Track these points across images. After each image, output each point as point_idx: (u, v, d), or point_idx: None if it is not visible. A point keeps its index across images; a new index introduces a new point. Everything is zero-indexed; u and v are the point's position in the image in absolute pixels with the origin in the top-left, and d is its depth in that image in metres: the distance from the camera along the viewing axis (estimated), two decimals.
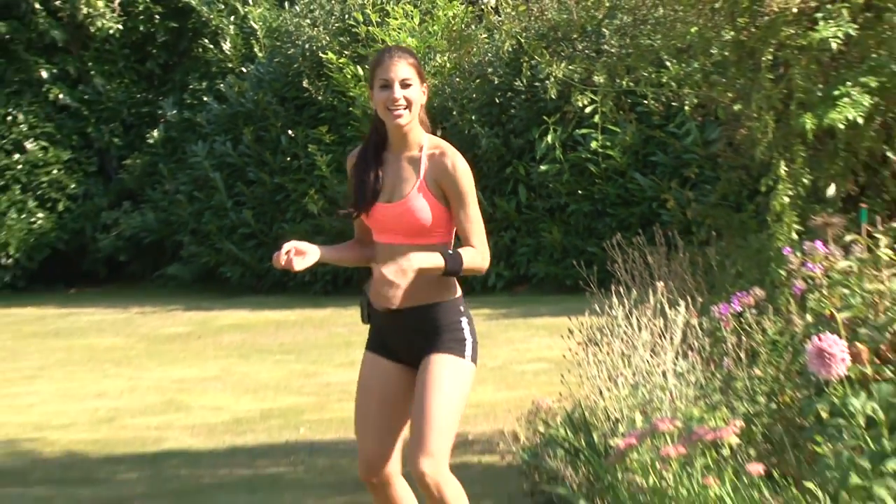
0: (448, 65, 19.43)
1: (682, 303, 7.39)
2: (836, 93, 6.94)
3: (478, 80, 19.79)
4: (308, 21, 21.55)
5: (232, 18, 23.92)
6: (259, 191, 21.50)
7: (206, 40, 24.08)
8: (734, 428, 6.01)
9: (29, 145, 23.50)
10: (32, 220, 23.26)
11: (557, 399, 7.88)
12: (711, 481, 5.85)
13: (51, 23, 23.51)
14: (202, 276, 22.33)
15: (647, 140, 18.36)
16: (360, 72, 20.15)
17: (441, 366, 5.36)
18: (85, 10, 23.20)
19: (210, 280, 22.12)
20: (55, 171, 23.60)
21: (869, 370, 5.62)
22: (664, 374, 7.07)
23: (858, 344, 5.67)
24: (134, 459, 9.42)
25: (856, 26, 7.08)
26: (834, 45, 7.01)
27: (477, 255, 5.38)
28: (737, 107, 7.98)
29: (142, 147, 23.74)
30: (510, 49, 18.34)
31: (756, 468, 5.81)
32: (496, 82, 19.67)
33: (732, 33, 7.81)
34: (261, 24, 23.34)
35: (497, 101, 19.66)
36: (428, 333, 5.41)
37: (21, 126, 23.56)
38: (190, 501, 8.06)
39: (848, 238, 6.45)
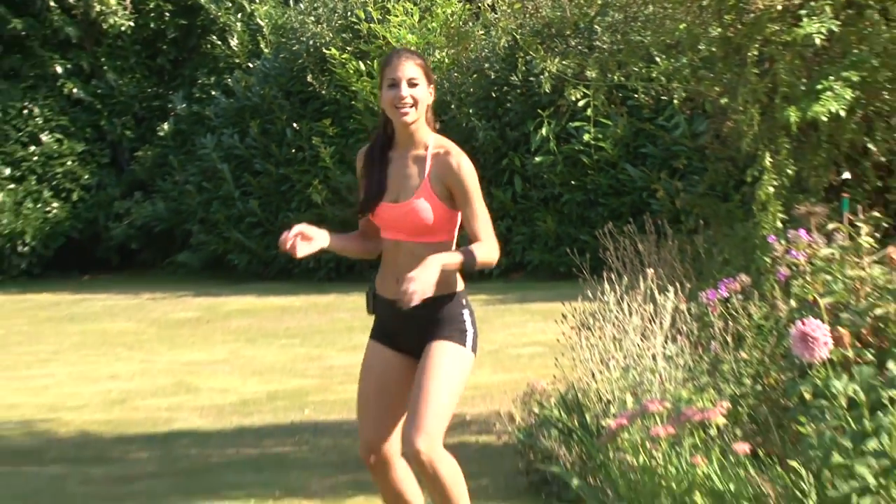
0: (446, 60, 19.43)
1: (671, 289, 7.38)
2: (819, 87, 6.93)
3: (475, 75, 19.78)
4: (312, 18, 21.54)
5: (239, 16, 23.92)
6: (265, 181, 21.50)
7: (215, 37, 24.09)
8: (721, 409, 6.00)
9: (44, 138, 23.49)
10: (48, 209, 23.26)
11: (551, 381, 7.88)
12: (699, 460, 5.85)
13: (65, 20, 23.50)
14: (210, 263, 22.34)
15: (637, 132, 18.35)
16: (362, 67, 20.15)
17: (442, 351, 5.36)
18: (98, 8, 23.20)
19: (218, 267, 22.13)
20: (69, 163, 23.59)
21: (850, 353, 5.62)
22: (654, 357, 7.06)
23: (840, 328, 5.67)
24: (145, 439, 9.42)
25: (838, 23, 7.07)
26: (817, 41, 7.00)
27: (487, 250, 5.36)
28: (724, 100, 7.98)
29: (152, 139, 23.75)
30: (506, 45, 18.28)
31: (742, 447, 5.81)
32: (493, 77, 19.66)
33: (719, 30, 7.79)
34: (267, 21, 23.34)
35: (493, 95, 19.65)
36: (431, 325, 5.40)
37: (37, 119, 23.55)
38: (199, 480, 8.05)
39: (830, 226, 6.44)
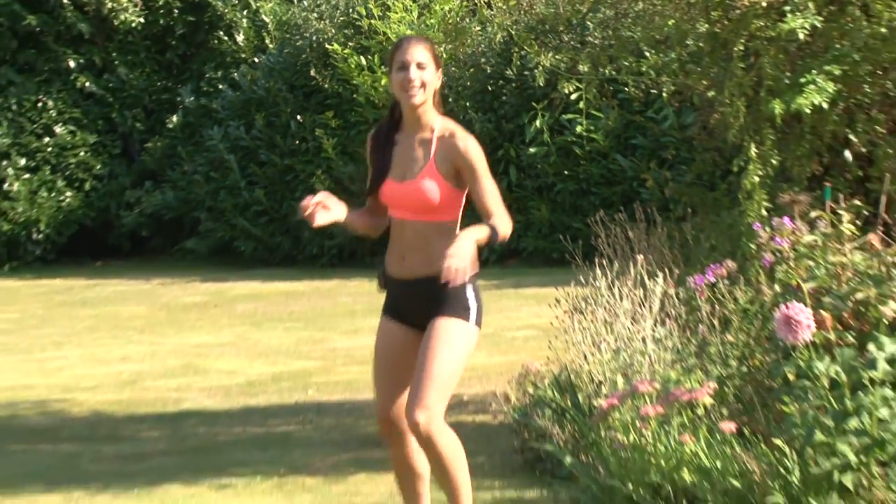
0: (444, 55, 19.38)
1: (660, 274, 7.38)
2: (803, 80, 6.92)
3: (472, 70, 19.77)
4: (315, 15, 21.53)
5: (245, 12, 23.89)
6: (270, 171, 21.49)
7: (221, 32, 24.08)
8: (708, 389, 6.01)
9: (58, 129, 23.48)
10: (61, 198, 23.25)
11: (545, 363, 7.88)
12: (687, 438, 5.86)
13: (78, 16, 23.47)
14: (218, 249, 22.33)
15: (627, 124, 18.34)
16: (364, 62, 20.14)
17: (445, 327, 5.34)
18: (109, 5, 23.18)
19: (225, 253, 22.12)
20: (82, 154, 23.58)
21: (832, 336, 5.62)
22: (644, 339, 7.06)
23: (823, 312, 5.67)
24: (155, 419, 9.42)
25: (821, 18, 7.06)
26: (801, 36, 6.99)
27: (505, 223, 5.34)
28: (711, 93, 7.96)
29: (162, 131, 23.73)
30: (501, 40, 18.23)
31: (728, 426, 5.82)
32: (489, 71, 19.65)
33: (707, 25, 7.79)
34: (271, 17, 23.31)
35: (489, 88, 19.65)
36: (435, 300, 5.38)
37: (51, 112, 23.54)
38: (207, 457, 8.05)
39: (813, 214, 6.44)
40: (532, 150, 18.65)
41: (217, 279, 19.97)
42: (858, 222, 6.47)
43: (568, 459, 6.58)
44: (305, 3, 22.24)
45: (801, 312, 5.39)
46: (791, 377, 5.70)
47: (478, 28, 19.74)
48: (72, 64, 23.72)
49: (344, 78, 20.50)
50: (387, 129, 5.59)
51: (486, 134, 18.92)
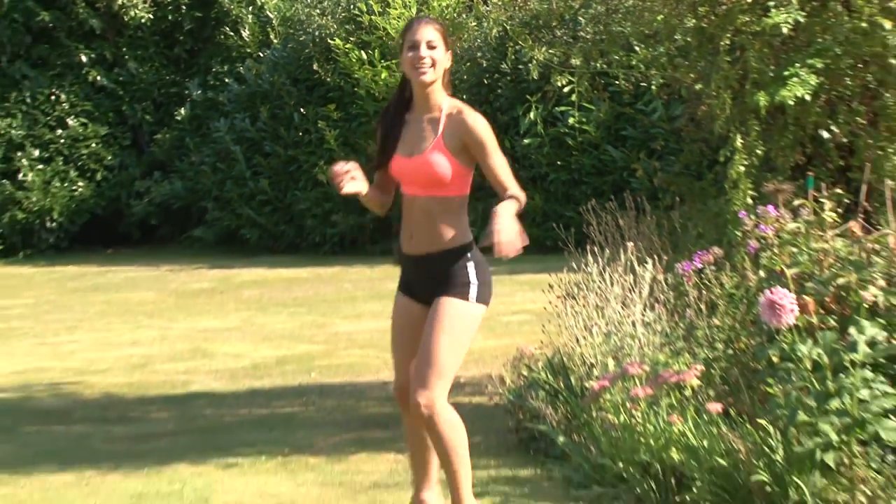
0: None
1: (649, 261, 7.37)
2: (787, 73, 6.91)
3: (468, 64, 19.75)
4: (318, 11, 21.52)
5: (250, 9, 23.89)
6: (274, 162, 21.50)
7: (228, 28, 24.07)
8: (695, 371, 6.01)
9: (70, 122, 23.48)
10: (74, 188, 23.26)
11: (539, 346, 7.87)
12: (675, 419, 5.86)
13: (89, 12, 23.47)
14: (224, 237, 22.35)
15: (618, 116, 18.34)
16: (364, 56, 20.12)
17: (444, 309, 5.30)
18: (120, 1, 23.19)
19: (231, 241, 22.14)
20: (94, 145, 23.59)
21: (815, 320, 5.62)
22: (633, 323, 7.06)
23: (805, 296, 5.67)
24: (164, 400, 9.41)
25: (804, 14, 7.04)
26: (784, 31, 6.98)
27: (520, 193, 5.31)
28: (698, 86, 7.95)
29: (170, 123, 23.74)
30: (497, 35, 18.33)
31: (715, 407, 5.82)
32: (484, 65, 19.64)
33: (694, 21, 7.77)
34: (276, 13, 23.30)
35: (485, 81, 19.63)
36: (438, 277, 5.34)
37: (63, 105, 23.54)
38: (214, 437, 8.05)
39: (796, 203, 6.43)
40: (526, 141, 18.63)
41: (223, 266, 19.98)
42: (840, 210, 6.47)
43: (561, 439, 6.59)
44: None
45: (785, 297, 5.38)
46: (775, 359, 5.70)
47: (474, 23, 19.80)
48: (84, 58, 23.73)
49: (345, 72, 20.49)
50: (396, 106, 5.54)
51: None
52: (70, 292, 17.80)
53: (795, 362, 5.50)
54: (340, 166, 5.28)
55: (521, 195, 5.26)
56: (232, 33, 23.99)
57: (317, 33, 21.23)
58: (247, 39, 23.73)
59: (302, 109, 21.26)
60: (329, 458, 7.25)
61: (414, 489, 5.70)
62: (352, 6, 20.97)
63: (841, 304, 5.87)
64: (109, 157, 23.67)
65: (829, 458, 5.36)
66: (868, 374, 5.42)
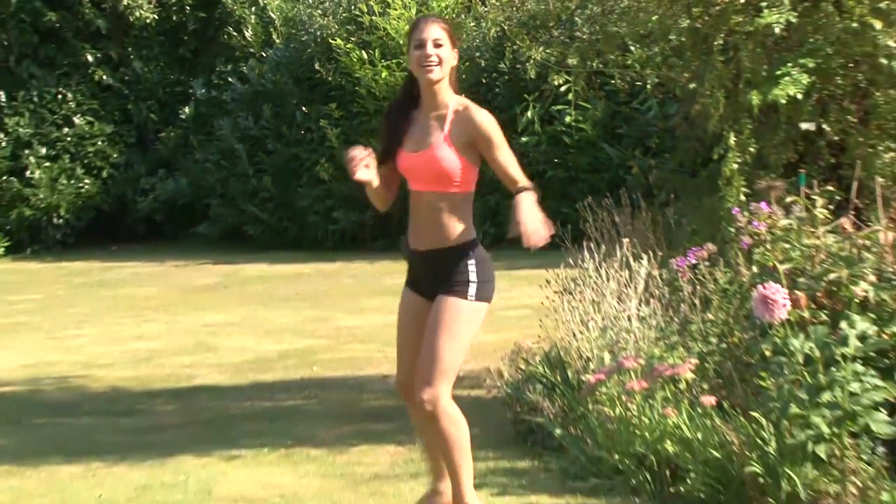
0: None
1: (644, 256, 7.38)
2: (779, 73, 6.92)
3: (467, 63, 19.75)
4: (319, 11, 21.51)
5: (253, 9, 23.87)
6: (277, 160, 21.49)
7: (231, 28, 24.06)
8: (689, 365, 6.01)
9: (77, 120, 23.47)
10: (80, 185, 23.26)
11: (536, 341, 7.87)
12: (670, 411, 5.86)
13: (95, 13, 23.47)
14: (228, 234, 22.35)
15: (614, 115, 18.35)
16: (365, 56, 20.12)
17: (444, 307, 5.26)
18: (125, 2, 23.18)
19: (235, 237, 22.13)
20: (100, 143, 23.59)
21: (806, 314, 5.62)
22: (629, 318, 7.06)
23: (797, 292, 5.67)
24: (169, 393, 9.41)
25: (796, 14, 7.05)
26: (777, 31, 6.99)
27: (530, 185, 5.29)
28: (692, 85, 7.95)
29: (175, 122, 23.73)
30: (495, 35, 18.33)
31: (708, 400, 5.82)
32: (483, 65, 19.64)
33: (688, 21, 7.77)
34: (278, 14, 23.28)
35: (483, 80, 19.63)
36: (440, 274, 5.30)
37: (70, 103, 23.54)
38: (218, 430, 8.05)
39: (789, 200, 6.44)
40: (524, 139, 18.62)
41: (227, 262, 19.98)
42: (831, 207, 6.47)
43: (558, 431, 6.59)
44: (310, 0, 22.22)
45: (778, 292, 5.39)
46: (768, 353, 5.71)
47: (472, 24, 19.79)
48: (90, 58, 23.73)
49: (346, 71, 20.48)
50: (402, 103, 5.51)
51: None
52: (77, 288, 17.80)
53: (788, 356, 5.51)
54: (357, 151, 5.26)
55: (533, 186, 5.26)
56: (235, 33, 23.98)
57: (318, 33, 21.23)
58: (250, 39, 23.71)
59: (304, 108, 21.26)
60: (331, 450, 7.26)
61: (431, 479, 5.68)
62: (353, 7, 20.96)
63: (832, 299, 5.87)
64: (115, 155, 23.68)
65: (821, 450, 5.37)
66: (859, 367, 5.43)
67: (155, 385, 9.77)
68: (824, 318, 5.72)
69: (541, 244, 5.00)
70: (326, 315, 13.25)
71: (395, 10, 20.16)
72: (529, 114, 18.43)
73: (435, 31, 5.34)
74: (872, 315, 5.67)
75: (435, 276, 5.33)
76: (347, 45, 20.27)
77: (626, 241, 7.59)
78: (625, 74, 9.72)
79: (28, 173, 23.03)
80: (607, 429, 6.22)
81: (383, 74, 19.98)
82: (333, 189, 20.62)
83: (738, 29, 7.28)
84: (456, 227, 5.30)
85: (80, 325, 13.62)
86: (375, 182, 5.33)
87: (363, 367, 10.03)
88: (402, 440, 7.35)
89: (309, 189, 21.03)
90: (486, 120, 5.33)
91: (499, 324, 11.25)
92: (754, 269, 6.29)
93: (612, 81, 11.85)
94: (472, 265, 5.31)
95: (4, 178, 23.01)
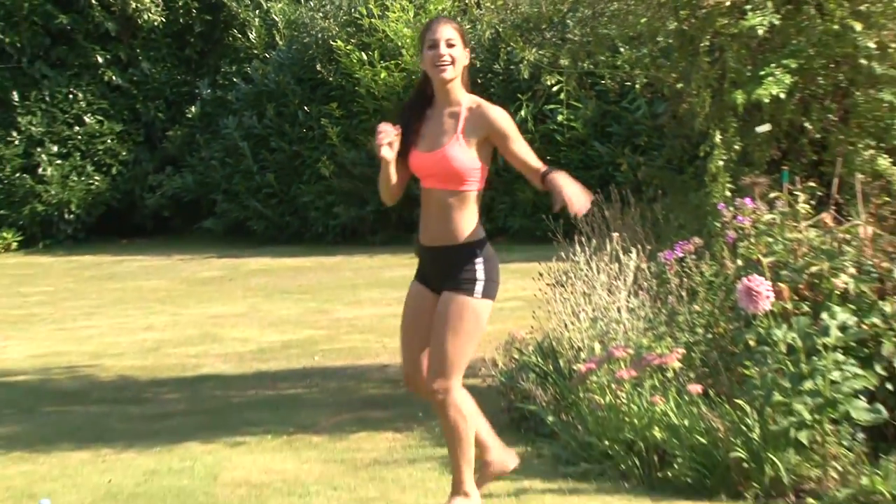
0: None
1: (633, 250, 7.37)
2: (763, 73, 6.91)
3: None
4: (320, 14, 21.48)
5: (257, 12, 23.84)
6: (280, 157, 21.48)
7: (236, 31, 24.03)
8: (677, 354, 6.01)
9: (87, 119, 23.44)
10: (90, 182, 23.24)
11: (530, 331, 7.87)
12: (658, 399, 5.87)
13: (105, 15, 23.43)
14: (232, 228, 22.33)
15: (604, 114, 18.32)
16: (365, 57, 20.10)
17: (449, 304, 5.22)
18: (133, 5, 23.14)
19: (239, 232, 22.11)
20: (109, 141, 23.56)
21: (789, 306, 5.62)
22: (619, 309, 7.06)
23: (780, 284, 5.68)
24: (176, 382, 9.41)
25: (779, 16, 7.04)
26: (760, 33, 6.97)
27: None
28: (679, 85, 7.95)
29: (182, 120, 23.70)
30: (490, 37, 18.20)
31: (695, 388, 5.82)
32: (478, 65, 19.60)
33: (676, 23, 7.76)
34: (281, 17, 23.25)
35: (478, 81, 19.58)
36: (447, 271, 5.28)
37: (81, 103, 23.51)
38: (223, 417, 8.05)
39: (772, 195, 6.43)
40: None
41: (232, 255, 19.97)
42: (813, 202, 6.47)
43: (550, 418, 6.59)
44: (312, 3, 22.18)
45: (761, 284, 5.39)
46: (752, 343, 5.71)
47: (468, 26, 19.74)
48: (100, 59, 23.69)
49: (347, 72, 20.46)
50: (414, 102, 5.47)
51: None
52: (87, 280, 17.79)
53: (771, 346, 5.51)
54: (388, 126, 5.23)
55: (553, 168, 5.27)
56: (240, 35, 23.95)
57: (320, 35, 21.20)
58: (254, 41, 23.68)
59: (306, 107, 21.23)
60: (331, 437, 7.26)
61: (478, 453, 5.62)
62: (353, 10, 20.93)
63: (814, 291, 5.87)
64: (124, 153, 23.65)
65: (803, 437, 5.37)
66: (839, 356, 5.43)
67: (162, 374, 9.77)
68: (806, 309, 5.72)
69: (585, 210, 5.02)
70: (327, 307, 13.25)
71: (394, 13, 20.15)
72: (523, 113, 18.39)
73: (447, 32, 5.30)
74: (852, 306, 5.68)
75: (443, 273, 5.29)
76: (348, 47, 20.24)
77: (615, 235, 7.59)
78: (615, 75, 9.73)
79: (40, 170, 23.01)
80: (597, 416, 6.21)
81: (382, 75, 19.96)
82: (334, 185, 20.61)
83: (724, 31, 7.27)
84: (466, 226, 5.27)
85: (90, 316, 13.61)
86: (392, 162, 5.27)
87: (362, 356, 10.03)
88: (400, 427, 7.35)
89: (310, 185, 21.02)
90: (500, 115, 5.32)
91: (493, 315, 11.15)
92: (739, 262, 6.29)
93: (603, 82, 11.84)
94: (479, 263, 5.28)
95: (17, 174, 22.99)
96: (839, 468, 5.40)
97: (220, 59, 24.27)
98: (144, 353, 10.79)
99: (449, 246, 5.26)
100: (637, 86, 9.15)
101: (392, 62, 20.06)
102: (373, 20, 20.20)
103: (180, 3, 23.96)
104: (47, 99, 23.44)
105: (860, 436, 5.47)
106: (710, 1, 7.17)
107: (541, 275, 7.95)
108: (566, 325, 7.41)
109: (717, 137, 7.16)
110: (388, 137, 5.19)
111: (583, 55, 8.83)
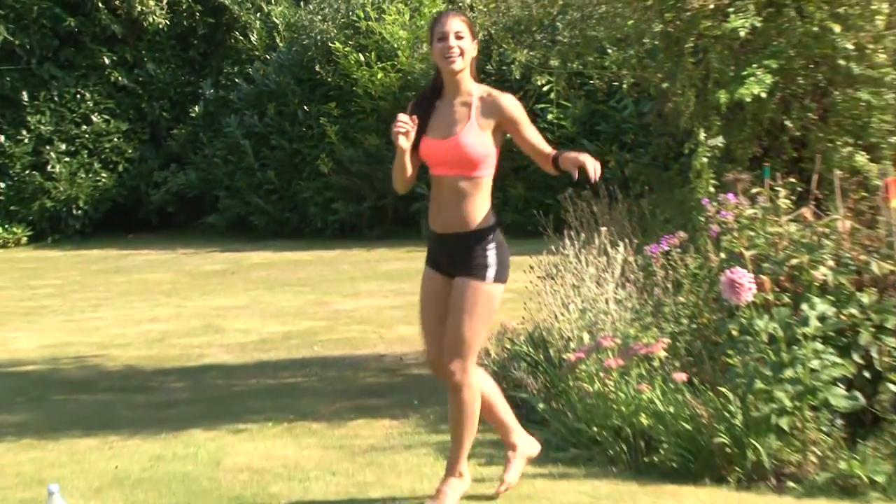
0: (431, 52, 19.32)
1: (621, 244, 7.37)
2: (745, 73, 6.91)
3: None
4: (319, 17, 21.47)
5: (258, 15, 23.84)
6: (280, 155, 21.48)
7: (238, 33, 24.03)
8: (662, 344, 6.02)
9: (94, 118, 23.43)
10: (97, 178, 23.24)
11: (521, 322, 7.87)
12: (644, 387, 5.87)
13: (111, 18, 23.41)
14: (234, 224, 22.32)
15: (593, 113, 18.33)
16: (362, 58, 20.08)
17: (464, 290, 5.22)
18: (139, 8, 23.13)
19: (241, 227, 22.10)
20: (116, 140, 23.55)
21: (770, 297, 5.62)
22: (607, 301, 7.06)
23: (762, 276, 5.68)
24: (180, 372, 9.40)
25: (760, 19, 7.04)
26: (742, 34, 6.97)
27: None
28: (665, 85, 7.94)
29: (186, 120, 23.70)
30: (482, 39, 18.18)
31: (680, 376, 5.82)
32: None
33: (661, 25, 7.76)
34: (281, 19, 23.25)
35: None
36: (460, 256, 5.27)
37: (88, 103, 23.49)
38: (225, 405, 8.04)
39: (754, 191, 6.44)
40: (509, 135, 18.60)
41: (234, 250, 19.96)
42: (793, 198, 6.47)
43: (541, 406, 6.59)
44: (311, 6, 22.18)
45: (744, 276, 5.39)
46: (735, 333, 5.71)
47: None
48: (106, 60, 23.68)
49: (345, 73, 20.45)
50: (428, 94, 5.44)
51: None
52: (94, 274, 17.77)
53: (753, 335, 5.52)
54: (405, 117, 5.21)
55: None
56: (241, 38, 23.94)
57: (318, 37, 21.19)
58: (255, 43, 23.67)
59: (305, 107, 21.23)
60: (330, 424, 7.25)
61: (502, 438, 5.68)
62: (350, 12, 20.93)
63: (794, 283, 5.88)
64: (130, 151, 23.64)
65: (784, 423, 5.38)
66: (819, 346, 5.44)
67: (167, 364, 9.76)
68: (787, 300, 5.72)
69: (598, 173, 5.01)
70: (326, 299, 13.24)
71: (390, 15, 20.14)
72: None
73: (456, 24, 5.29)
74: (831, 297, 5.68)
75: (456, 259, 5.27)
76: (346, 49, 20.23)
77: (603, 229, 7.59)
78: (603, 75, 9.72)
79: (49, 168, 23.00)
80: (586, 403, 6.22)
81: (379, 76, 19.94)
82: (333, 182, 20.60)
83: (708, 33, 7.27)
84: (478, 212, 5.25)
85: (97, 308, 13.59)
86: (408, 151, 5.25)
87: (360, 346, 10.03)
88: (396, 414, 7.35)
89: (310, 182, 21.02)
90: (511, 103, 5.32)
91: None
92: (722, 255, 6.29)
93: (591, 82, 11.81)
94: (491, 249, 5.27)
95: (27, 172, 22.98)
96: (818, 453, 5.41)
97: (222, 61, 24.25)
98: (150, 344, 10.78)
99: (461, 233, 5.24)
100: (624, 86, 9.14)
101: (388, 63, 20.04)
102: (370, 23, 20.19)
103: (184, 7, 23.95)
104: (56, 99, 23.42)
105: (839, 422, 5.48)
106: (694, 4, 7.16)
107: (532, 268, 7.95)
108: (556, 316, 7.41)
109: (702, 135, 7.16)
110: (404, 127, 5.18)
111: (572, 56, 8.83)
